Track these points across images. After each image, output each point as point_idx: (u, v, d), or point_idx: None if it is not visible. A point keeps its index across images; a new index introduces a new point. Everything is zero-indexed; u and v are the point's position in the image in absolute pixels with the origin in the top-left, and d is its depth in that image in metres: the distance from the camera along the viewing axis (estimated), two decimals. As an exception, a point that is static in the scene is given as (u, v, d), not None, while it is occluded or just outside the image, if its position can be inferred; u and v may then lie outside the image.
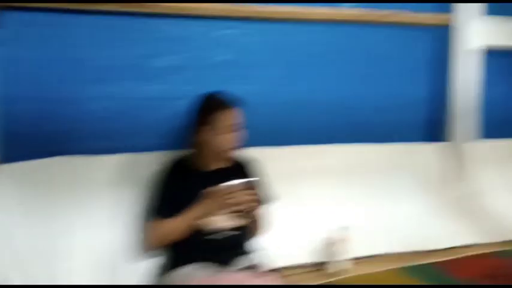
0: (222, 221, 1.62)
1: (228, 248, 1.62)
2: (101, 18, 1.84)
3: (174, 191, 1.64)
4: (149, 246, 1.67)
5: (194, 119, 1.68)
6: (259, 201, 1.67)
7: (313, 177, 2.12)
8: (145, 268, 1.70)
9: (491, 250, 2.17)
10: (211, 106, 1.65)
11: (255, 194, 1.61)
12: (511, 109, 2.58)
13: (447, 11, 2.40)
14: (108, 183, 1.77)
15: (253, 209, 1.62)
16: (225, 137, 1.63)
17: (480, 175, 2.42)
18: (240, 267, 1.60)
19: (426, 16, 2.37)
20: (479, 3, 2.35)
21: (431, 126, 2.52)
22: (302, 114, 2.22)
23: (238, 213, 1.62)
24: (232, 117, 1.64)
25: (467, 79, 2.35)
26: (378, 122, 2.39)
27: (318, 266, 1.95)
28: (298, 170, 2.10)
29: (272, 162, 1.94)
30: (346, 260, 1.93)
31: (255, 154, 1.83)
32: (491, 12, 2.39)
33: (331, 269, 1.91)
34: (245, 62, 2.10)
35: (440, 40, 2.45)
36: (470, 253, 2.13)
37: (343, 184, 2.17)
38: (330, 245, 1.93)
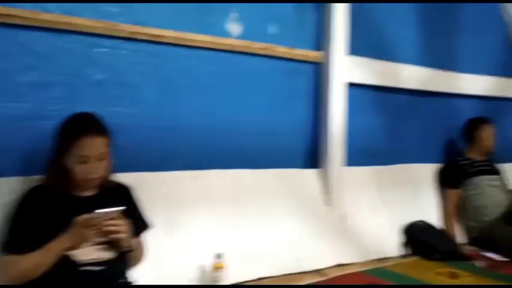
0: (96, 251, 1.50)
1: (105, 279, 1.50)
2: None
3: (39, 219, 1.48)
4: (9, 282, 1.45)
5: (56, 143, 1.55)
6: (135, 229, 1.58)
7: (192, 203, 2.10)
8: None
9: (362, 269, 2.35)
10: (72, 131, 1.52)
11: (130, 222, 1.53)
12: (371, 139, 2.86)
13: (319, 48, 2.62)
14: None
15: (128, 237, 1.53)
16: (84, 166, 1.50)
17: (348, 199, 2.64)
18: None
19: (301, 52, 2.56)
20: (346, 44, 2.61)
21: (310, 153, 2.67)
22: (183, 139, 2.18)
23: (112, 242, 1.51)
24: (93, 146, 1.50)
25: (335, 111, 2.58)
26: (258, 148, 2.46)
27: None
28: (178, 196, 2.07)
29: (150, 188, 1.89)
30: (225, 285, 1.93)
31: (130, 180, 1.74)
32: (354, 52, 2.67)
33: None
34: (123, 82, 2.02)
35: (315, 74, 2.65)
36: (342, 272, 2.28)
37: (222, 210, 2.18)
38: (207, 271, 1.91)
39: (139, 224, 1.68)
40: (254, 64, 2.42)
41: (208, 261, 1.94)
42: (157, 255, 1.85)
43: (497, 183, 3.01)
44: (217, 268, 1.90)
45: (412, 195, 2.95)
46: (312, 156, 2.67)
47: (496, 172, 3.06)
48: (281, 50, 2.48)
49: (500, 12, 3.56)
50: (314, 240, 2.41)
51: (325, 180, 2.61)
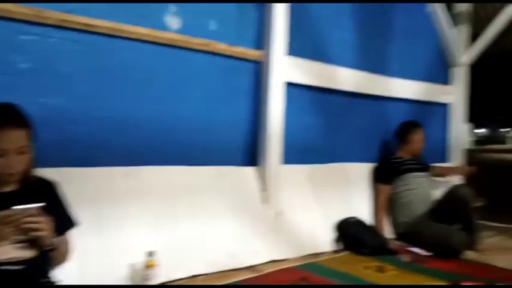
0: (15, 250, 1.41)
1: (25, 279, 1.42)
2: None
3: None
4: None
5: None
6: (59, 227, 1.51)
7: (124, 201, 2.05)
8: None
9: (296, 264, 2.41)
10: None
11: (53, 219, 1.45)
12: (308, 138, 2.94)
13: (259, 47, 2.64)
14: None
15: (49, 235, 1.45)
16: (2, 160, 1.41)
17: (285, 196, 2.69)
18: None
19: (241, 50, 2.57)
20: (285, 44, 2.66)
21: (249, 150, 2.69)
22: (115, 134, 2.12)
23: (33, 240, 1.42)
24: (11, 139, 1.41)
25: (274, 109, 2.62)
26: (196, 144, 2.45)
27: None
28: (108, 193, 2.01)
29: (77, 184, 1.81)
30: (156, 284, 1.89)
31: (54, 175, 1.65)
32: (293, 53, 2.73)
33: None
34: (51, 72, 1.92)
35: (255, 72, 2.67)
36: (276, 268, 2.32)
37: (155, 207, 2.15)
38: (138, 270, 1.87)
39: (63, 222, 1.60)
40: (193, 59, 2.40)
41: (140, 260, 1.90)
42: (84, 254, 1.79)
43: (425, 180, 3.21)
44: (149, 266, 1.87)
45: (346, 193, 3.06)
46: (251, 154, 2.69)
47: (424, 170, 3.27)
48: (221, 47, 2.47)
49: (431, 19, 3.79)
50: (249, 237, 2.44)
51: (262, 178, 2.64)
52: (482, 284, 2.06)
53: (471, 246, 2.79)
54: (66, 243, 1.64)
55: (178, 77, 2.35)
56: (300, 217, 2.72)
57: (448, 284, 2.12)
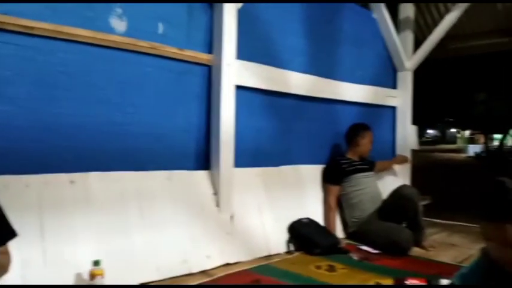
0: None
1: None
2: None
3: None
4: None
5: None
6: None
7: (69, 208, 1.98)
8: None
9: (248, 267, 2.42)
10: None
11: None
12: (260, 141, 2.97)
13: (210, 51, 2.64)
14: None
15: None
16: None
17: (237, 200, 2.69)
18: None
19: (192, 54, 2.55)
20: (236, 48, 2.67)
21: (201, 154, 2.66)
22: (59, 140, 2.04)
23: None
24: None
25: (225, 113, 2.62)
26: (146, 150, 2.40)
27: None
28: (52, 201, 1.94)
29: (17, 193, 1.73)
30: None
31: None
32: (245, 57, 2.75)
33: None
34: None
35: (206, 76, 2.66)
36: (228, 272, 2.31)
37: (103, 214, 2.09)
38: (83, 280, 1.81)
39: (2, 232, 1.52)
40: (141, 63, 2.36)
41: (86, 269, 1.84)
42: (27, 265, 1.72)
43: (372, 180, 3.33)
44: (95, 275, 1.81)
45: (298, 195, 3.11)
46: (203, 158, 2.67)
47: (371, 170, 3.38)
48: (170, 51, 2.45)
49: (377, 26, 3.94)
50: (202, 241, 2.42)
51: (215, 182, 2.63)
52: (424, 280, 2.14)
53: (417, 243, 2.92)
54: (5, 254, 1.55)
55: (126, 81, 2.30)
56: (253, 220, 2.73)
57: (393, 281, 2.20)
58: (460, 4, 3.95)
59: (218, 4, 2.61)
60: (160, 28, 2.43)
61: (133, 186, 2.27)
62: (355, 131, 3.39)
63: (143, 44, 2.31)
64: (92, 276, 1.80)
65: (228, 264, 2.43)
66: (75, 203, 2.01)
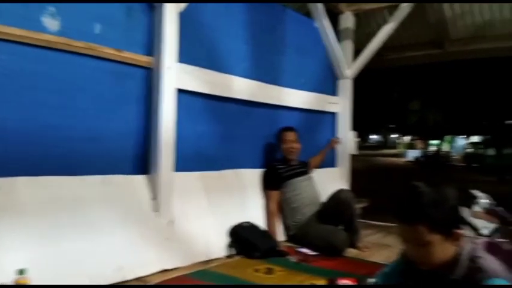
0: None
1: None
2: None
3: None
4: None
5: None
6: None
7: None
8: None
9: (186, 272, 2.40)
10: None
11: None
12: (201, 145, 2.96)
13: (150, 54, 2.60)
14: None
15: None
16: None
17: (177, 204, 2.66)
18: None
19: (130, 55, 2.50)
20: (177, 51, 2.65)
21: (140, 158, 2.61)
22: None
23: None
24: None
25: (165, 117, 2.58)
26: (81, 154, 2.32)
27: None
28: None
29: None
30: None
31: None
32: (186, 60, 2.73)
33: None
34: None
35: (146, 79, 2.61)
36: (165, 278, 2.29)
37: (31, 221, 1.99)
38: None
39: None
40: (77, 64, 2.28)
41: (10, 279, 1.74)
42: None
43: (309, 183, 3.41)
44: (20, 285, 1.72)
45: (239, 199, 3.13)
46: (142, 162, 2.62)
47: (307, 172, 3.45)
48: (107, 52, 2.39)
49: (319, 35, 4.07)
50: (139, 247, 2.37)
51: (154, 186, 2.59)
52: (355, 280, 2.23)
53: (353, 244, 3.04)
54: None
55: (60, 82, 2.22)
56: (193, 224, 2.72)
57: (326, 281, 2.27)
58: (397, 15, 4.16)
59: (158, 4, 2.58)
60: (97, 28, 2.36)
61: (65, 191, 2.18)
62: (277, 135, 3.44)
63: (78, 44, 2.24)
64: (17, 286, 1.71)
65: (165, 271, 2.40)
66: (1, 210, 1.90)
